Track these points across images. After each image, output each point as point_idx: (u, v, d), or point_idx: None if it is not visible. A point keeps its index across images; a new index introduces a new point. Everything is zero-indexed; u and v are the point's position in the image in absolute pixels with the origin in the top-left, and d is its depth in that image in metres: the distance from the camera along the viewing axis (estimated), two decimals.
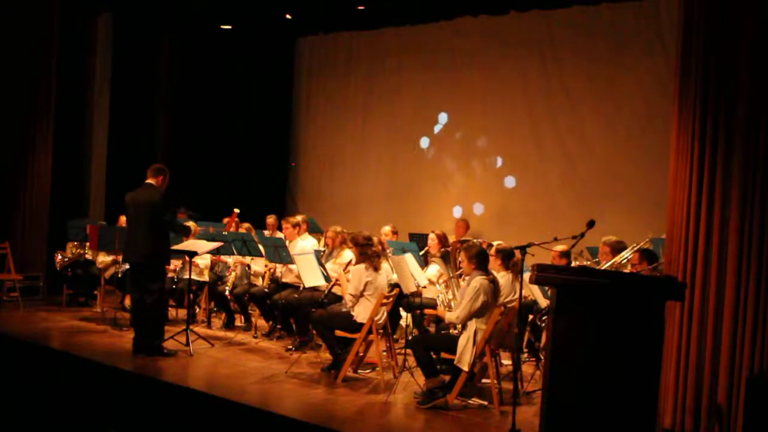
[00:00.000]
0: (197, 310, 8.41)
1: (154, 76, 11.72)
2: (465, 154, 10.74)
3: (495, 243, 6.92)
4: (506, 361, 6.43)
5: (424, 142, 11.14)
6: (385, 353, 6.33)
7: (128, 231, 6.78)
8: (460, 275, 6.08)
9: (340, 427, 4.74)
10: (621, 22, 9.34)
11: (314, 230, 9.14)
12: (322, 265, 6.80)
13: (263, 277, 7.73)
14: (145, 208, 6.53)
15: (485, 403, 5.43)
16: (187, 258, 7.12)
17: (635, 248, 6.14)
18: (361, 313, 5.99)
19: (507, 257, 6.05)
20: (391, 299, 6.17)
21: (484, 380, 5.76)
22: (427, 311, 6.78)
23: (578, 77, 9.73)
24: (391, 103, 11.48)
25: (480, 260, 5.44)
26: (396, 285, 6.35)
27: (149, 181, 6.67)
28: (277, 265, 7.44)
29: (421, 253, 7.56)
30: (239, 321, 8.24)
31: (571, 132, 9.81)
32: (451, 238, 8.51)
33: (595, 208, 9.28)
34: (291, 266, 7.22)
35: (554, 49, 9.88)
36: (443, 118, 10.95)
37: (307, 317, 6.68)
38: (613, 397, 3.77)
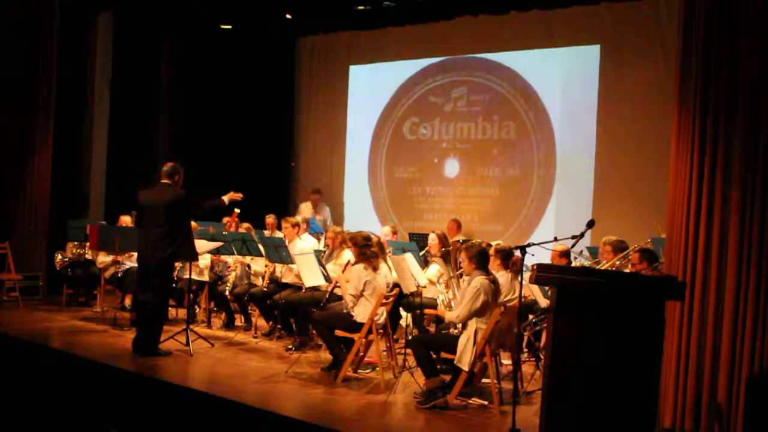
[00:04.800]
0: (197, 309, 8.41)
1: (154, 76, 11.73)
2: (465, 153, 10.75)
3: (494, 243, 6.93)
4: (506, 361, 6.44)
5: (425, 142, 11.14)
6: (385, 353, 6.33)
7: (142, 231, 6.59)
8: (461, 275, 6.08)
9: (340, 427, 4.73)
10: (621, 22, 9.35)
11: (314, 230, 9.15)
12: (322, 265, 6.80)
13: (263, 277, 7.73)
14: (164, 207, 6.41)
15: (485, 403, 5.43)
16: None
17: (636, 248, 6.15)
18: (361, 313, 5.99)
19: (506, 257, 6.06)
20: (391, 299, 6.17)
21: (484, 380, 5.76)
22: (427, 311, 6.78)
23: (577, 77, 9.73)
24: (391, 102, 11.49)
25: (480, 260, 5.44)
26: (396, 285, 6.35)
27: (165, 181, 6.60)
28: (277, 265, 7.44)
29: (421, 253, 7.56)
30: (239, 321, 8.24)
31: (571, 132, 9.82)
32: None
33: (595, 209, 9.31)
34: (291, 266, 7.22)
35: (554, 49, 9.89)
36: (443, 117, 10.95)
37: (307, 317, 6.68)
38: (613, 397, 3.77)
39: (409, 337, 6.16)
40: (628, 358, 3.77)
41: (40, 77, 9.42)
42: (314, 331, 6.76)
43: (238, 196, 6.93)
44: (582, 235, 5.03)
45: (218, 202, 6.86)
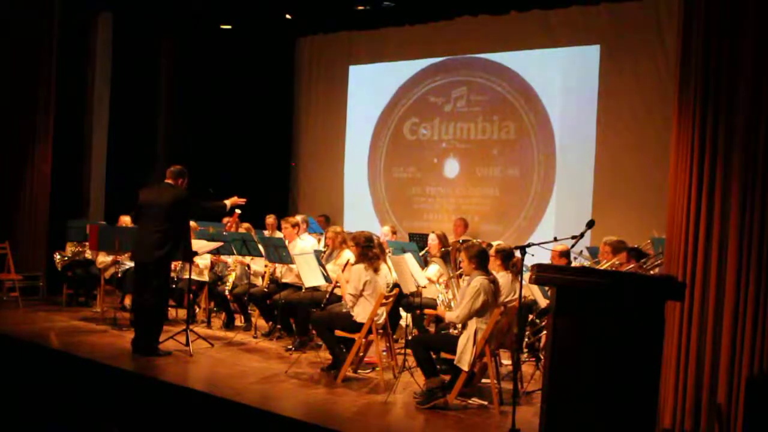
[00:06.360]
0: (197, 310, 8.41)
1: (154, 76, 11.72)
2: (465, 153, 10.75)
3: (495, 243, 6.93)
4: (506, 361, 6.44)
5: (425, 142, 11.15)
6: (385, 353, 6.33)
7: (141, 230, 6.60)
8: (460, 275, 6.09)
9: (340, 427, 4.74)
10: (621, 22, 9.35)
11: (313, 230, 9.14)
12: (322, 265, 6.80)
13: (263, 277, 7.73)
14: (165, 206, 6.42)
15: (485, 403, 5.43)
16: None
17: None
18: (361, 313, 5.99)
19: (507, 257, 6.06)
20: (390, 299, 6.17)
21: (484, 380, 5.76)
22: (427, 311, 6.78)
23: (577, 77, 9.73)
24: (391, 103, 11.49)
25: (480, 260, 5.45)
26: (396, 285, 6.35)
27: (168, 181, 6.61)
28: (277, 265, 7.44)
29: (421, 253, 7.56)
30: (239, 321, 8.24)
31: (571, 132, 9.82)
32: (450, 238, 8.52)
33: (595, 209, 9.31)
34: (291, 266, 7.22)
35: (554, 49, 9.90)
36: (444, 118, 10.95)
37: (307, 317, 6.68)
38: (613, 397, 3.77)
39: (409, 337, 6.16)
40: (628, 358, 3.77)
41: (40, 77, 9.42)
42: (314, 331, 6.76)
43: (242, 201, 6.95)
44: (582, 235, 5.03)
45: (221, 206, 6.88)
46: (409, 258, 6.58)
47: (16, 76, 9.29)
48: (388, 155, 11.55)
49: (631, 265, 5.81)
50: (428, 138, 11.11)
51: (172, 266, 7.82)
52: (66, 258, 8.73)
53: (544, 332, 6.02)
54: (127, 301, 8.29)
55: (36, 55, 9.39)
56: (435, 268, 7.13)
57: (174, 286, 7.96)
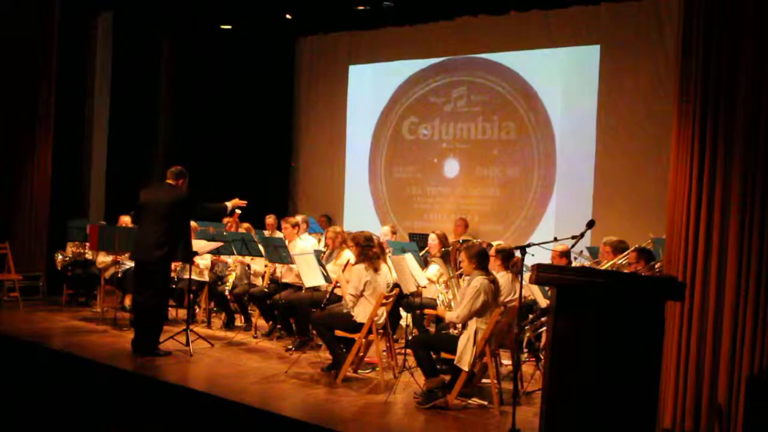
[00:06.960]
0: (197, 310, 8.41)
1: (154, 76, 11.72)
2: (465, 153, 10.75)
3: (495, 243, 6.93)
4: (506, 361, 6.44)
5: (425, 142, 11.15)
6: (385, 353, 6.33)
7: (141, 229, 6.63)
8: (461, 275, 6.08)
9: (340, 427, 4.74)
10: (621, 22, 9.35)
11: (314, 230, 9.14)
12: (322, 265, 6.80)
13: (263, 277, 7.73)
14: (165, 206, 6.44)
15: (485, 403, 5.43)
16: None
17: (634, 249, 6.15)
18: (361, 313, 5.99)
19: (507, 257, 6.06)
20: (391, 299, 6.17)
21: (484, 380, 5.76)
22: (427, 311, 6.78)
23: (577, 77, 9.73)
24: (391, 102, 11.49)
25: (480, 260, 5.45)
26: (396, 285, 6.35)
27: (169, 181, 6.63)
28: (277, 265, 7.44)
29: (421, 253, 7.56)
30: (239, 321, 8.24)
31: (571, 132, 9.82)
32: (450, 238, 8.52)
33: (595, 209, 9.31)
34: (291, 266, 7.22)
35: (554, 49, 9.90)
36: (444, 118, 10.95)
37: (307, 317, 6.68)
38: (613, 397, 3.77)
39: (409, 337, 6.16)
40: (628, 358, 3.77)
41: (40, 77, 9.42)
42: (314, 331, 6.76)
43: (242, 203, 6.96)
44: (582, 235, 5.03)
45: (222, 207, 6.90)
46: (409, 258, 6.58)
47: (16, 76, 9.28)
48: (388, 155, 11.55)
49: (640, 266, 5.79)
50: (428, 138, 11.11)
51: (173, 266, 7.82)
52: (66, 258, 8.73)
53: (544, 329, 6.03)
54: (127, 301, 8.29)
55: (36, 55, 9.38)
56: (435, 268, 7.13)
57: (174, 286, 7.96)
